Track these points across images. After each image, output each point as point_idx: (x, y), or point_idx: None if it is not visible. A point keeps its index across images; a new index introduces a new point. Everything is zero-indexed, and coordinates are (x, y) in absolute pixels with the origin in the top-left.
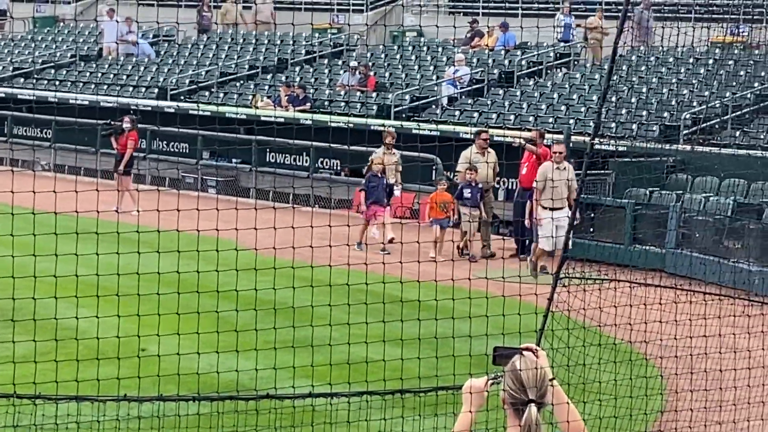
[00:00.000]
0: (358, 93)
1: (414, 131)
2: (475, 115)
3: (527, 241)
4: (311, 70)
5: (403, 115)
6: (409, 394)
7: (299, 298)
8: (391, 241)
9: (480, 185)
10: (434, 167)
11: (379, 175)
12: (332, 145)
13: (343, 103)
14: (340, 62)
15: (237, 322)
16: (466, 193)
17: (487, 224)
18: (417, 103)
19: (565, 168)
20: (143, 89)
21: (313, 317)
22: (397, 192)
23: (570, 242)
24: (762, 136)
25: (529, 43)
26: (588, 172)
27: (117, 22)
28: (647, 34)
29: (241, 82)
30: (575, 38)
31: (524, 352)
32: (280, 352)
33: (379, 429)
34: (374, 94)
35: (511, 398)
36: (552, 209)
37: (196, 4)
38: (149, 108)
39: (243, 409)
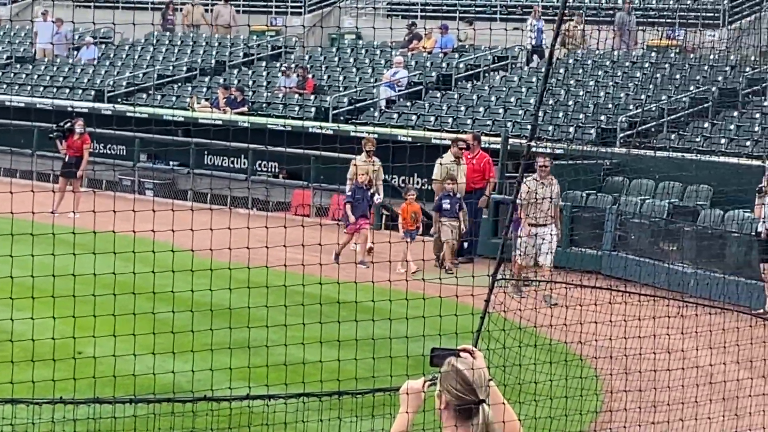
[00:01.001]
0: (296, 95)
1: (352, 134)
2: (413, 117)
3: (465, 244)
4: (249, 72)
5: (341, 118)
6: (346, 395)
7: (236, 300)
8: (370, 251)
9: (458, 195)
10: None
11: (364, 187)
12: (270, 147)
13: (281, 106)
14: (278, 65)
15: (173, 323)
16: (446, 204)
17: (464, 234)
18: (355, 105)
19: (550, 183)
20: (80, 91)
21: (250, 319)
22: (377, 199)
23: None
24: (698, 139)
25: (467, 46)
26: (525, 174)
27: (52, 23)
28: (629, 38)
29: (179, 84)
30: (546, 42)
31: (461, 354)
32: (217, 354)
33: (317, 430)
34: (312, 97)
35: (458, 400)
36: (535, 225)
37: (134, 6)
38: (86, 110)
39: (180, 411)
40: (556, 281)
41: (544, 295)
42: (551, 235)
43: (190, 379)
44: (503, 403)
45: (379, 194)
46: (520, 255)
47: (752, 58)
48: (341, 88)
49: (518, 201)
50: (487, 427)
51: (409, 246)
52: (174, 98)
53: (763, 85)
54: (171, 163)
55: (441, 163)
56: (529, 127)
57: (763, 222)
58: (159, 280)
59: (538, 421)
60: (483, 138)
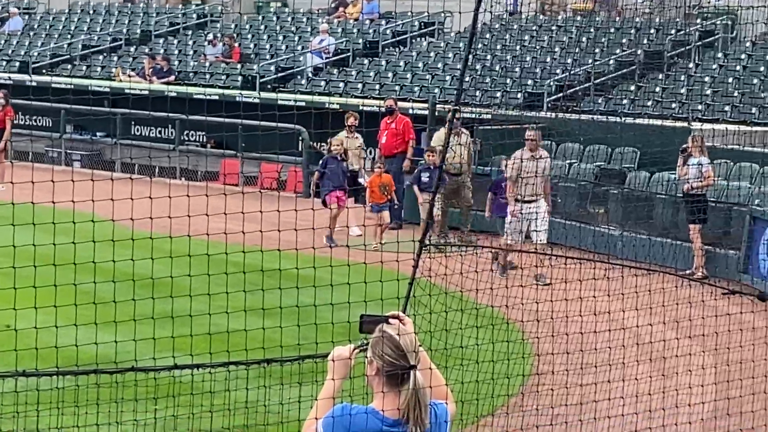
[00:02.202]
0: (223, 64)
1: (280, 102)
2: (341, 85)
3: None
4: (175, 41)
5: (269, 86)
6: (273, 363)
7: (159, 270)
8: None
9: (435, 169)
10: (300, 138)
11: (339, 157)
12: (198, 117)
13: (207, 75)
14: (204, 34)
15: (95, 294)
16: (425, 177)
17: (469, 207)
18: (282, 73)
19: (540, 156)
20: (4, 63)
21: (173, 289)
22: (362, 180)
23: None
24: (624, 102)
25: (393, 12)
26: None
27: None
28: (610, 3)
29: (104, 54)
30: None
31: (390, 320)
32: (141, 325)
33: (244, 399)
34: (239, 65)
35: (390, 366)
36: (524, 201)
37: None
38: (10, 82)
39: (105, 383)
40: (484, 246)
41: (537, 274)
42: (541, 211)
43: (114, 351)
44: (431, 368)
45: (364, 173)
46: (508, 234)
47: (677, 20)
48: (268, 57)
49: (507, 175)
50: (417, 391)
51: (379, 219)
52: (99, 68)
53: (688, 47)
54: (98, 134)
55: (439, 139)
56: (455, 92)
57: (687, 182)
58: (81, 252)
59: (468, 386)
60: (411, 104)
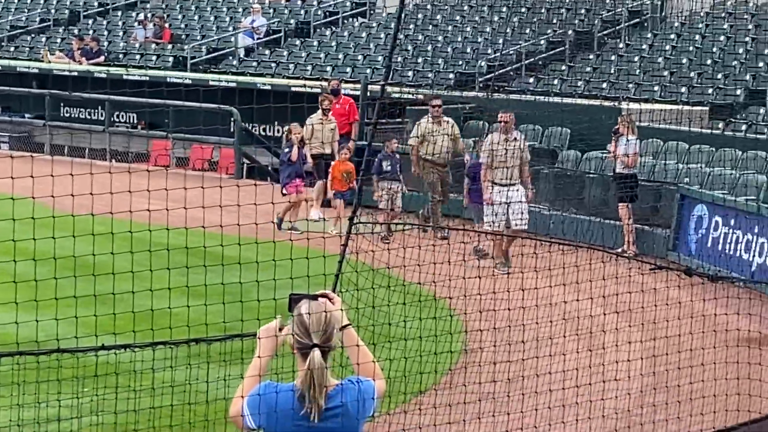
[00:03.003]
0: (153, 45)
1: (211, 82)
2: (273, 65)
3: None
4: (105, 22)
5: (200, 67)
6: (200, 343)
7: (81, 249)
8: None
9: (398, 156)
10: (232, 119)
11: (298, 145)
12: (128, 98)
13: (138, 56)
14: (134, 14)
15: (15, 274)
16: (386, 165)
17: (441, 202)
18: (214, 54)
19: (515, 138)
20: None
21: (95, 268)
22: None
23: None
24: (555, 82)
25: None
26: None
27: None
28: None
29: (32, 35)
30: None
31: (319, 299)
32: (63, 306)
33: (171, 379)
34: (170, 46)
35: (297, 343)
36: (500, 185)
37: None
38: None
39: (27, 364)
40: (413, 224)
41: (475, 247)
42: (519, 196)
43: (35, 331)
44: (358, 345)
45: (335, 156)
46: (488, 222)
47: (607, 0)
48: (198, 37)
49: (483, 160)
50: (312, 370)
51: (342, 208)
52: (28, 50)
53: (618, 27)
54: (26, 115)
55: (419, 127)
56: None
57: (621, 162)
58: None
59: (398, 364)
60: (343, 85)
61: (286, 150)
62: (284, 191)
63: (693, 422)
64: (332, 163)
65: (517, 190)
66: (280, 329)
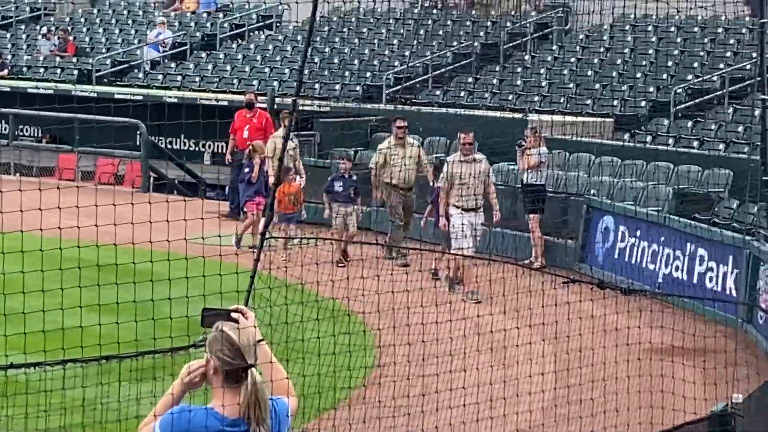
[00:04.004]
0: (58, 58)
1: (116, 95)
2: (179, 78)
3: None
4: (8, 35)
5: (105, 80)
6: (111, 360)
7: None
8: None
9: (354, 177)
10: (138, 132)
11: (259, 164)
12: (32, 111)
13: (42, 69)
14: (38, 27)
15: None
16: (337, 186)
17: (401, 228)
18: (119, 67)
19: (474, 160)
20: None
21: (4, 285)
22: (300, 180)
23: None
24: (462, 94)
25: (231, 5)
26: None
27: None
28: None
29: None
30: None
31: (232, 314)
32: None
33: (82, 397)
34: (74, 59)
35: (227, 365)
36: (465, 209)
37: None
38: None
39: None
40: (319, 237)
41: (467, 291)
42: (476, 223)
43: None
44: (272, 362)
45: (301, 176)
46: (457, 249)
47: (512, 13)
48: (104, 50)
49: (440, 184)
50: (256, 389)
51: (285, 229)
52: None
53: (524, 39)
54: None
55: (380, 150)
56: (295, 85)
57: (528, 173)
58: None
59: (311, 379)
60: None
61: (246, 170)
62: (245, 209)
63: (606, 421)
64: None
65: (477, 218)
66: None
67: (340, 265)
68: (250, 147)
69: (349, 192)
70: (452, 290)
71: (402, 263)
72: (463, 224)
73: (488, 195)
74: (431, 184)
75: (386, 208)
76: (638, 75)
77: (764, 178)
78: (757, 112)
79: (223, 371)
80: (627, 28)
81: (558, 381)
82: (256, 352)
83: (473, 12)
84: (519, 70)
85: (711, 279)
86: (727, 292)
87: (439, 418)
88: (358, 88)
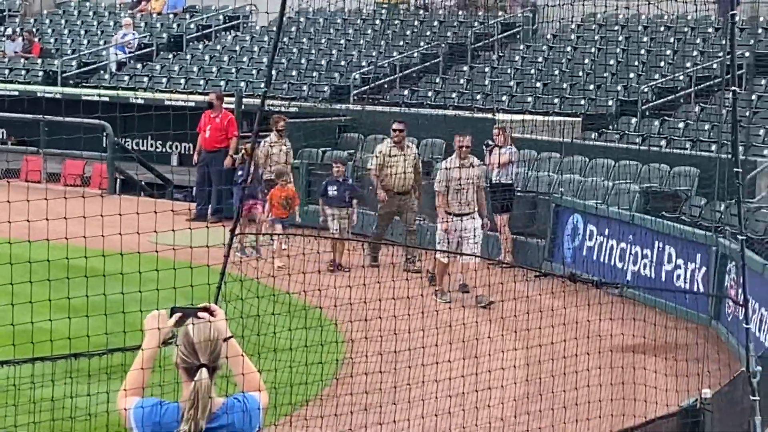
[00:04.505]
0: (23, 59)
1: (83, 97)
2: (145, 79)
3: (205, 205)
4: None
5: (71, 81)
6: (80, 358)
7: None
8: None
9: (350, 181)
10: (104, 134)
11: (254, 166)
12: None
13: (7, 71)
14: (2, 28)
15: None
16: (331, 190)
17: (412, 233)
18: (85, 68)
19: (471, 165)
20: None
21: None
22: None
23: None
24: (429, 94)
25: (197, 6)
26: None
27: None
28: None
29: None
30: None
31: (200, 313)
32: None
33: (50, 395)
34: (40, 61)
35: (183, 362)
36: (459, 215)
37: None
38: None
39: None
40: (286, 233)
41: (478, 296)
42: (475, 227)
43: None
44: (242, 356)
45: (290, 179)
46: (442, 254)
47: (480, 13)
48: (69, 52)
49: (435, 188)
50: (198, 391)
51: (280, 238)
52: None
53: (491, 39)
54: None
55: (378, 152)
56: (262, 85)
57: (497, 173)
58: None
59: (282, 375)
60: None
61: (240, 173)
62: (242, 215)
63: (578, 428)
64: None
65: (474, 220)
66: (171, 314)
67: (332, 270)
68: (243, 151)
69: (343, 196)
70: (443, 296)
71: (414, 269)
72: (452, 235)
73: (479, 201)
74: (414, 192)
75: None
76: (605, 74)
77: (735, 169)
78: (724, 111)
79: (183, 369)
80: (594, 27)
81: (525, 376)
82: (219, 350)
83: (460, 12)
84: (487, 70)
85: (679, 276)
86: (696, 289)
87: (411, 413)
88: (325, 88)
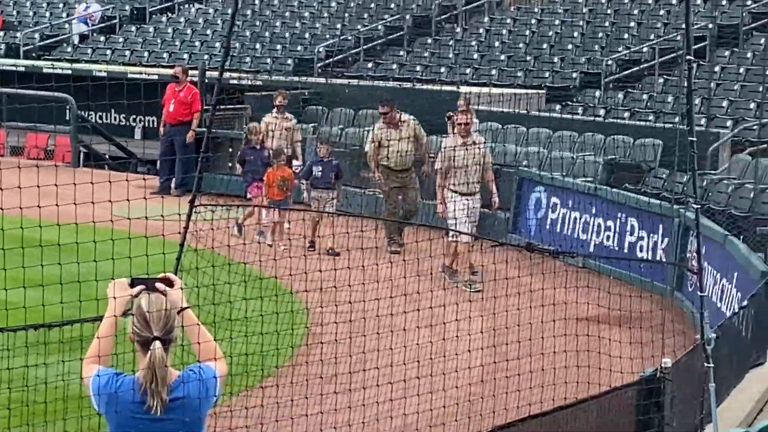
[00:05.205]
0: None
1: (45, 70)
2: (108, 52)
3: (169, 179)
4: None
5: (33, 54)
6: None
7: None
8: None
9: (335, 161)
10: (67, 107)
11: (257, 147)
12: None
13: None
14: None
15: None
16: (316, 170)
17: (412, 213)
18: (48, 41)
19: (474, 142)
20: None
21: None
22: (296, 167)
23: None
24: (393, 67)
25: None
26: (224, 106)
27: None
28: None
29: None
30: None
31: (157, 284)
32: None
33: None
34: (2, 33)
35: (138, 336)
36: (464, 194)
37: None
38: None
39: None
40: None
41: (466, 282)
42: (474, 206)
43: None
44: (198, 325)
45: (297, 159)
46: (455, 236)
47: None
48: (32, 24)
49: (436, 167)
50: (154, 363)
51: (279, 219)
52: None
53: (455, 12)
54: None
55: (373, 133)
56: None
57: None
58: None
59: (242, 347)
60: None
61: (247, 152)
62: (248, 195)
63: (541, 395)
64: (298, 161)
65: (476, 202)
66: (131, 285)
67: (311, 249)
68: (247, 129)
69: (329, 177)
70: (453, 280)
71: (394, 250)
72: (460, 210)
73: (487, 180)
74: (424, 167)
75: (383, 193)
76: (569, 47)
77: (690, 139)
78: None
79: (137, 342)
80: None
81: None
82: (173, 322)
83: None
84: (451, 42)
85: (642, 248)
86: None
87: (379, 392)
88: (289, 61)
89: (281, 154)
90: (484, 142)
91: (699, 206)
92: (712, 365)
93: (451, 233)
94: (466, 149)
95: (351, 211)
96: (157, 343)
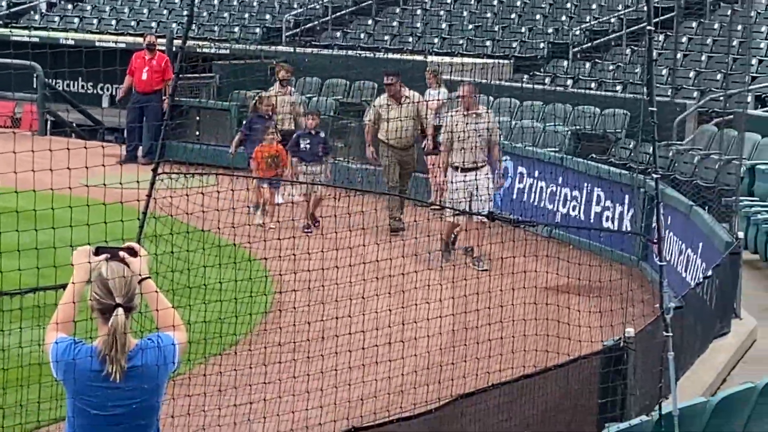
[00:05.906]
0: None
1: (12, 38)
2: (76, 20)
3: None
4: None
5: (0, 22)
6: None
7: None
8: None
9: (322, 134)
10: (35, 75)
11: (266, 116)
12: None
13: None
14: None
15: None
16: (303, 143)
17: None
18: (15, 9)
19: (478, 114)
20: None
21: None
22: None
23: (491, 204)
24: (362, 37)
25: None
26: (191, 75)
27: None
28: None
29: None
30: None
31: (121, 252)
32: None
33: None
34: None
35: (99, 304)
36: (464, 170)
37: None
38: None
39: None
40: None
41: (474, 258)
42: (486, 178)
43: None
44: (156, 292)
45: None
46: (450, 212)
47: None
48: None
49: (439, 140)
50: (115, 330)
51: (271, 196)
52: None
53: None
54: None
55: (374, 105)
56: (194, 27)
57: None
58: None
59: (206, 315)
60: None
61: (254, 120)
62: (251, 164)
63: (503, 361)
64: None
65: (486, 175)
66: (96, 254)
67: (307, 230)
68: (256, 99)
69: (316, 150)
70: (446, 255)
71: (395, 227)
72: (456, 186)
73: (492, 153)
74: (425, 143)
75: (381, 168)
76: (537, 17)
77: (650, 108)
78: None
79: (98, 311)
80: None
81: (457, 323)
82: (134, 289)
83: None
84: (419, 12)
85: (607, 218)
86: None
87: (338, 360)
88: (257, 30)
89: (267, 130)
90: (489, 114)
91: (659, 176)
92: (671, 334)
93: (448, 211)
94: (469, 121)
95: (351, 187)
96: (120, 310)
